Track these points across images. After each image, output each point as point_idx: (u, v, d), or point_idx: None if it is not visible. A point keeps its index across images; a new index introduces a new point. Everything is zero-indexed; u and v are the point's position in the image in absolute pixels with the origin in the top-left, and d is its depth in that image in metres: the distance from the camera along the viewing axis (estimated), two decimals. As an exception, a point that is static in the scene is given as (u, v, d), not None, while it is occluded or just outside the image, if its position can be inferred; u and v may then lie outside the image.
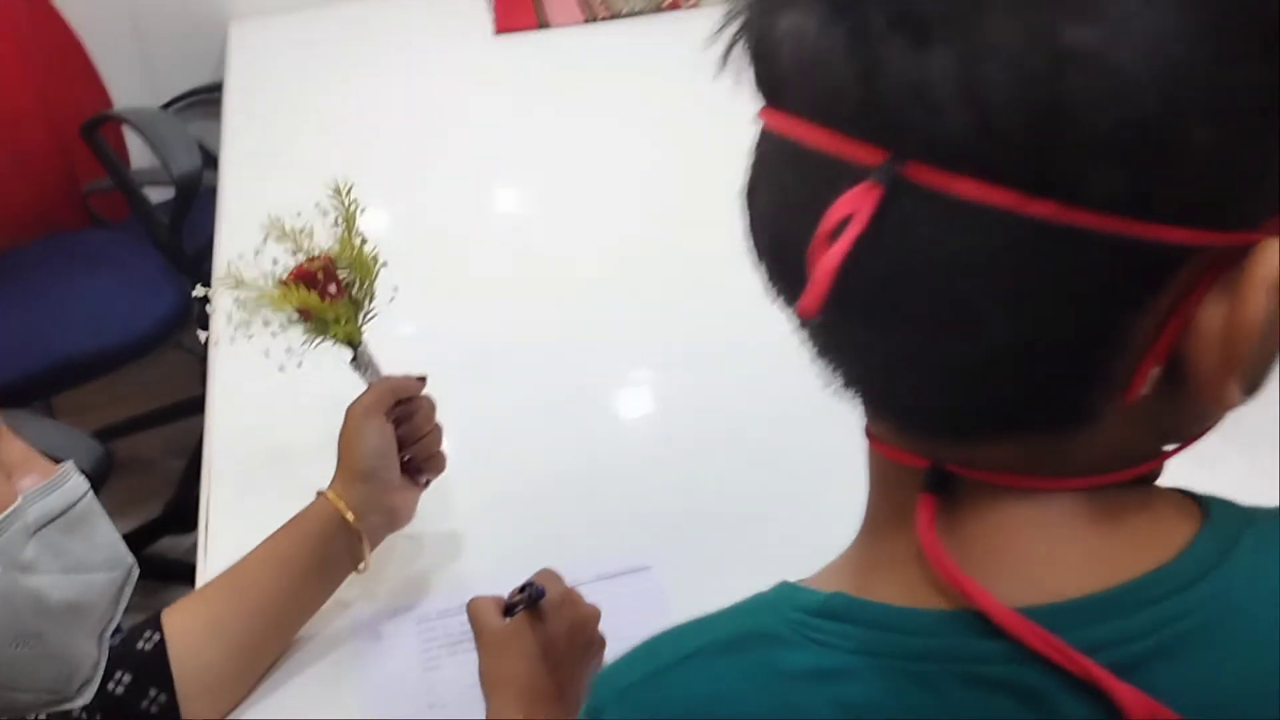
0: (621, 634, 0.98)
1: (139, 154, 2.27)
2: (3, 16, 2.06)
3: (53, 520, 0.66)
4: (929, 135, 0.41)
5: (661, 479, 1.18)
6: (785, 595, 0.53)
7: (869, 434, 0.53)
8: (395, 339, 1.07)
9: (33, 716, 0.78)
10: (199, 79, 2.47)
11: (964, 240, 0.42)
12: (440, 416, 1.07)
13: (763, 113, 0.48)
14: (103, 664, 0.69)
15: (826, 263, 0.44)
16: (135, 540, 2.15)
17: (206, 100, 2.39)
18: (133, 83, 2.44)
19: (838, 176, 0.44)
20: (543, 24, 2.21)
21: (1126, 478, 0.49)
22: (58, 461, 0.69)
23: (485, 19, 2.24)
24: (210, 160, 2.05)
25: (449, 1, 2.34)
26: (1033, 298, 0.43)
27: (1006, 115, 0.40)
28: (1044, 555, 0.48)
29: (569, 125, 1.88)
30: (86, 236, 2.19)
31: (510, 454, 1.24)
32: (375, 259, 1.00)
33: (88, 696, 0.68)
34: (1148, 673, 0.45)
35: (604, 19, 2.21)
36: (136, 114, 2.09)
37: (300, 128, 1.95)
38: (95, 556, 0.68)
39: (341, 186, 0.98)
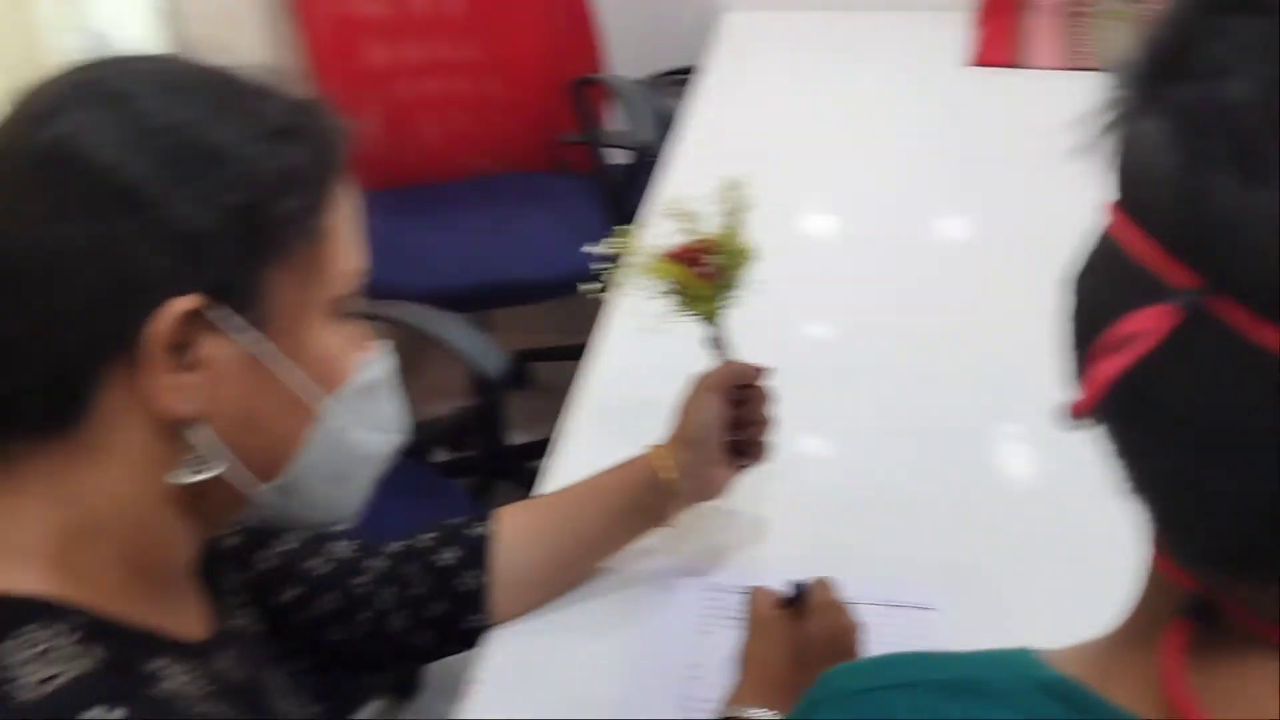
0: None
1: (612, 117, 2.49)
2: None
3: (370, 388, 0.80)
4: (1244, 275, 0.42)
5: (977, 525, 1.18)
6: (1022, 660, 0.54)
7: (1154, 538, 0.53)
8: (750, 327, 1.15)
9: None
10: (683, 60, 2.66)
11: (1254, 384, 0.42)
12: (776, 411, 1.13)
13: (1106, 204, 0.49)
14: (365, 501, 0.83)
15: (1104, 370, 0.45)
16: (523, 451, 2.39)
17: (683, 80, 2.58)
18: (626, 52, 2.68)
19: (1145, 290, 0.45)
20: (1021, 63, 2.18)
21: None
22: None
23: (959, 48, 2.25)
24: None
25: (931, 25, 2.37)
26: None
27: None
28: None
29: (1013, 169, 1.85)
30: (548, 179, 2.44)
31: (835, 461, 1.29)
32: (750, 251, 1.08)
33: (348, 525, 0.83)
34: None
35: (1085, 68, 2.15)
36: (619, 82, 2.31)
37: (751, 120, 2.07)
38: (389, 421, 0.83)
39: (736, 182, 1.07)
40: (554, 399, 1.46)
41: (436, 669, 2.05)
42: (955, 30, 2.32)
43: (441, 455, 2.49)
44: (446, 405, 2.45)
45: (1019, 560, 1.13)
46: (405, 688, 2.08)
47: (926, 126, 2.04)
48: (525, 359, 2.67)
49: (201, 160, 0.69)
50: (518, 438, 2.44)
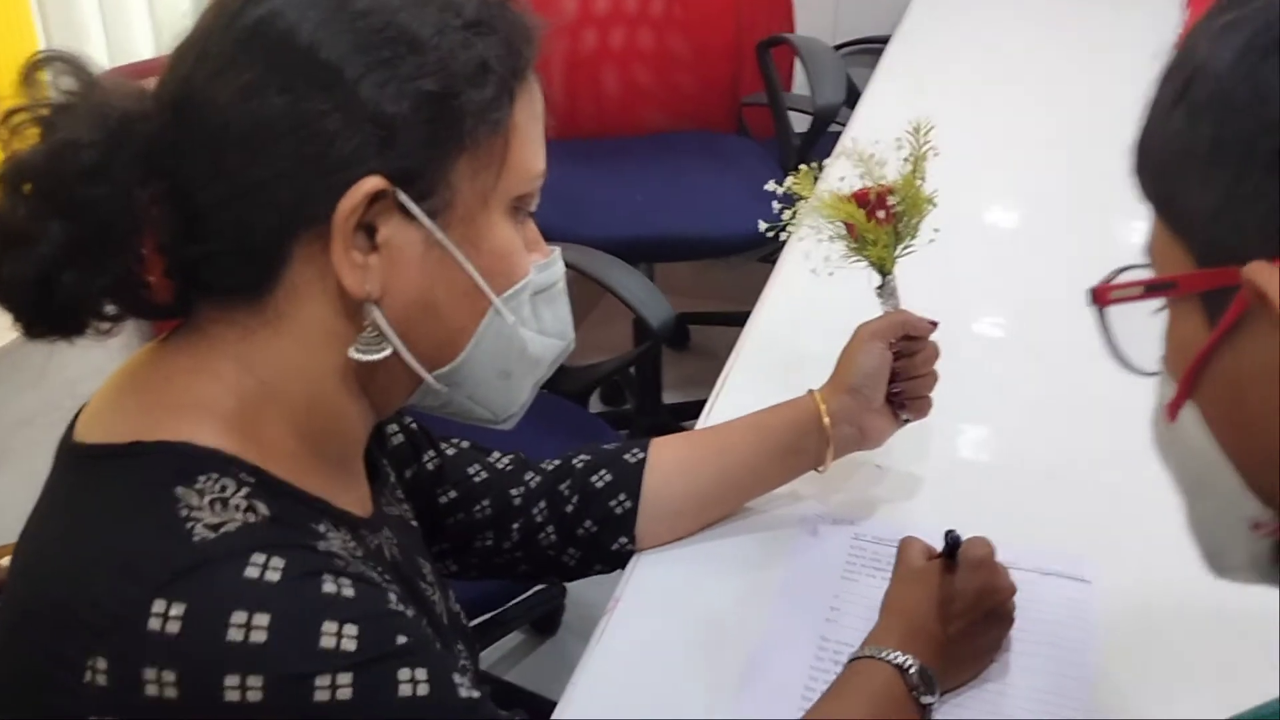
0: (1035, 634, 0.99)
1: (799, 82, 2.47)
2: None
3: (542, 291, 0.82)
4: None
5: (1135, 500, 1.13)
6: None
7: None
8: (922, 278, 1.13)
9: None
10: (875, 29, 2.62)
11: None
12: (940, 366, 1.11)
13: None
14: (527, 405, 0.85)
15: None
16: (677, 411, 2.41)
17: (871, 49, 2.54)
18: (818, 17, 2.65)
19: None
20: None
21: None
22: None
23: (1170, 28, 2.15)
24: (854, 100, 2.19)
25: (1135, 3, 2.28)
26: None
27: None
28: None
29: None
30: (729, 140, 2.44)
31: (995, 428, 1.26)
32: (929, 200, 1.06)
33: (510, 425, 0.84)
34: None
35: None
36: (806, 43, 2.28)
37: (940, 92, 2.02)
38: (557, 326, 0.84)
39: (922, 126, 1.05)
40: (710, 363, 1.46)
41: (575, 611, 2.11)
42: (1162, 8, 2.22)
43: (596, 406, 2.52)
44: (605, 357, 2.48)
45: (1176, 539, 1.08)
46: (543, 624, 2.13)
47: (1127, 110, 1.95)
48: (685, 321, 2.68)
49: (399, 46, 0.71)
50: (672, 398, 2.45)
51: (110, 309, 0.74)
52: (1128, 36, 2.19)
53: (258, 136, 0.70)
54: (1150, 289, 0.62)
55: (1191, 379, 0.59)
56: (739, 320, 1.44)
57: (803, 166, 1.10)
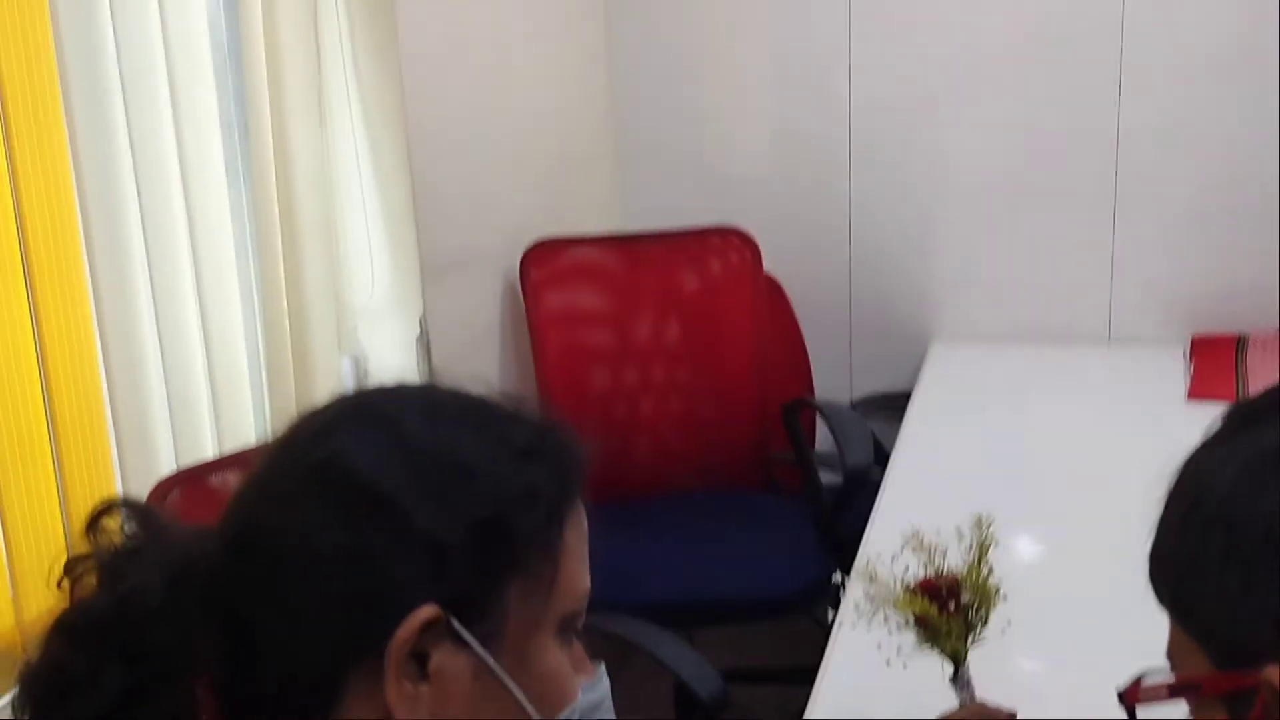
0: None
1: (824, 438, 2.55)
2: (749, 295, 2.47)
3: (592, 711, 0.81)
4: None
5: None
6: None
7: None
8: (997, 669, 1.12)
9: None
10: (894, 385, 2.73)
11: None
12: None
13: None
14: None
15: None
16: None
17: (895, 405, 2.63)
18: (834, 375, 2.77)
19: None
20: (1241, 396, 2.16)
21: None
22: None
23: (1180, 383, 2.24)
24: (883, 458, 2.25)
25: (1147, 359, 2.39)
26: None
27: None
28: None
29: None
30: (759, 497, 2.48)
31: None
32: (997, 591, 1.08)
33: None
34: None
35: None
36: (829, 407, 2.37)
37: (972, 446, 2.09)
38: None
39: (983, 520, 1.08)
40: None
41: None
42: (1174, 364, 2.32)
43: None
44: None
45: None
46: None
47: (1148, 460, 2.01)
48: (727, 679, 2.62)
49: (453, 476, 0.74)
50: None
51: None
52: (1137, 387, 2.29)
53: (317, 570, 0.72)
54: (1177, 691, 0.67)
55: None
56: (788, 677, 1.41)
57: (863, 561, 1.12)
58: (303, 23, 1.75)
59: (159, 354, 1.57)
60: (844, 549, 2.18)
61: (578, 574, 0.79)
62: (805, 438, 2.47)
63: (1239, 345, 2.38)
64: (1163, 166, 2.47)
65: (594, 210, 2.72)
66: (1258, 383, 2.20)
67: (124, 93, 1.50)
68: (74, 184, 1.44)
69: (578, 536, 0.80)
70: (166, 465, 1.55)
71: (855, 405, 2.76)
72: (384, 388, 0.83)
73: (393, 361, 1.98)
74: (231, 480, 1.36)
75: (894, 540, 1.13)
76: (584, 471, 0.80)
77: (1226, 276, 2.47)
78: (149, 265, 1.55)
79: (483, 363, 2.33)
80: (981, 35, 2.52)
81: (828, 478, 2.40)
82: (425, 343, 2.01)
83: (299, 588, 0.72)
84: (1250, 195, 2.42)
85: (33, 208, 1.38)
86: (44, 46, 1.40)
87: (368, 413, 0.78)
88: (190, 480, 1.40)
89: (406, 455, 0.74)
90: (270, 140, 1.70)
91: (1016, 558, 1.69)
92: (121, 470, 1.51)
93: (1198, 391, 2.19)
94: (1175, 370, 2.32)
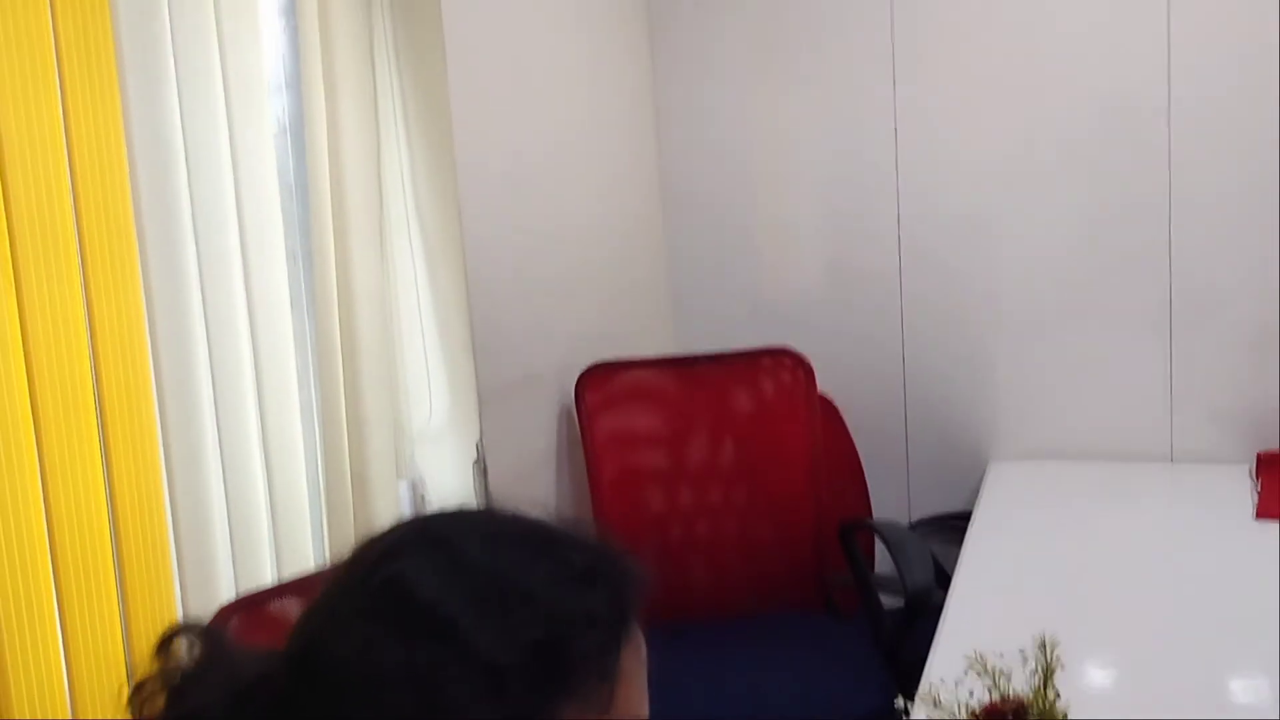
0: None
1: (882, 559, 2.51)
2: (803, 415, 2.47)
3: None
4: None
5: None
6: None
7: None
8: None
9: None
10: (952, 505, 2.70)
11: None
12: None
13: None
14: None
15: None
16: None
17: (954, 526, 2.60)
18: (893, 494, 2.74)
19: None
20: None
21: None
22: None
23: (1247, 502, 2.20)
24: (944, 580, 2.21)
25: (1211, 478, 2.35)
26: None
27: None
28: None
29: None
30: (818, 620, 2.44)
31: None
32: (1064, 715, 1.05)
33: None
34: None
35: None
36: (888, 528, 2.35)
37: (1034, 567, 2.05)
38: None
39: (1048, 642, 1.06)
40: None
41: None
42: (1239, 483, 2.28)
43: None
44: None
45: None
46: None
47: (1215, 581, 1.96)
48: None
49: (511, 599, 0.75)
50: None
51: None
52: (1204, 505, 2.24)
53: (377, 687, 0.73)
54: None
55: None
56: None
57: (926, 685, 1.10)
58: (365, 155, 1.82)
59: (221, 480, 1.60)
60: (907, 673, 2.13)
61: (635, 699, 0.79)
62: (864, 559, 2.44)
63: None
64: (1219, 282, 2.46)
65: (648, 333, 2.75)
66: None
67: (194, 224, 1.57)
68: (144, 313, 1.49)
69: (636, 662, 0.80)
70: (227, 591, 1.57)
71: (914, 526, 2.73)
72: (445, 512, 0.84)
73: (450, 485, 2.00)
74: (291, 606, 1.39)
75: (957, 664, 1.11)
76: (642, 596, 0.81)
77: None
78: (214, 391, 1.59)
79: (539, 486, 2.34)
80: (1031, 151, 2.55)
81: (888, 600, 2.37)
82: (482, 466, 2.02)
83: (359, 706, 0.73)
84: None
85: (104, 337, 1.44)
86: (120, 179, 1.46)
87: (429, 536, 0.80)
88: (250, 606, 1.41)
89: (467, 578, 0.75)
90: (333, 270, 1.76)
91: (1083, 681, 1.64)
92: (183, 595, 1.53)
93: (1265, 511, 2.14)
94: (1241, 490, 2.28)
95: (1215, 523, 2.17)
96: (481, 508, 0.89)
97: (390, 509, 1.81)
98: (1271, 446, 2.41)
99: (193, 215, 1.57)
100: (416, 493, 1.96)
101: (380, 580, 0.76)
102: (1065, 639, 1.09)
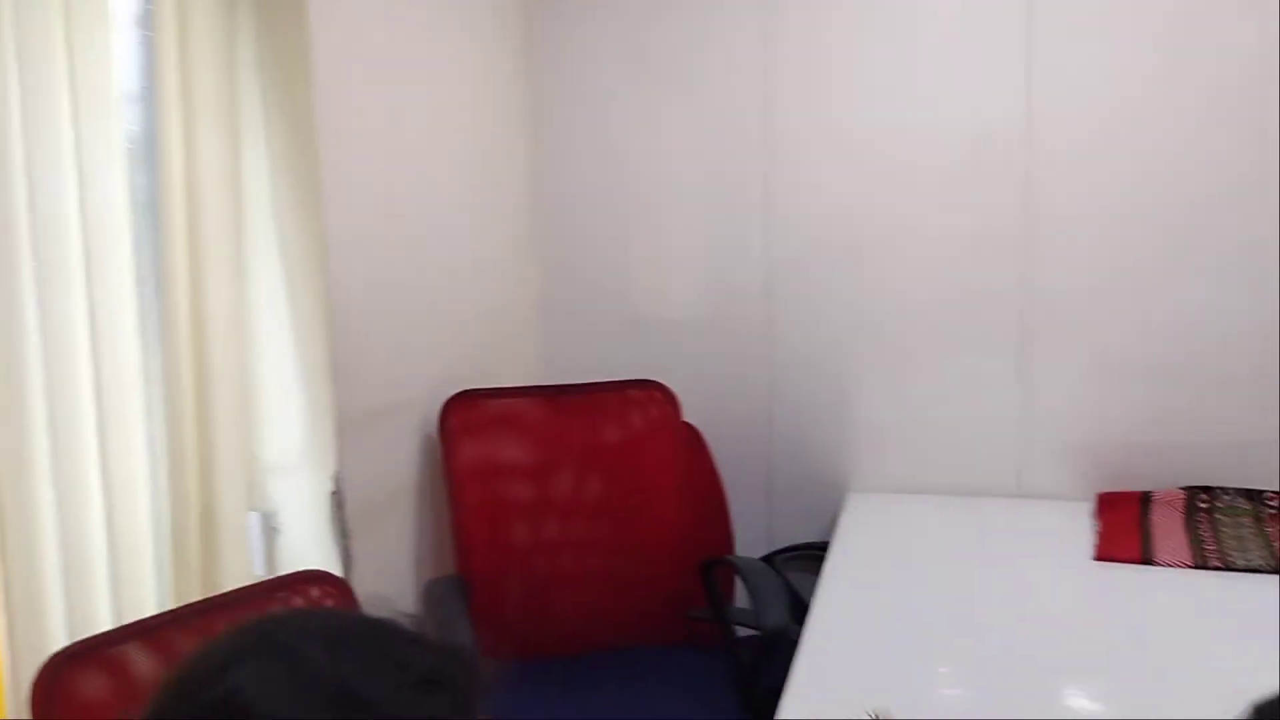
0: None
1: (741, 594, 2.53)
2: (669, 451, 2.47)
3: None
4: None
5: None
6: None
7: None
8: None
9: None
10: (812, 535, 2.73)
11: None
12: None
13: None
14: None
15: None
16: None
17: (814, 555, 2.63)
18: (755, 523, 2.76)
19: None
20: (1147, 559, 2.19)
21: None
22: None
23: (1086, 543, 2.28)
24: (800, 608, 2.23)
25: (1051, 518, 2.43)
26: None
27: None
28: None
29: (1140, 665, 1.82)
30: (677, 653, 2.44)
31: None
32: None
33: None
34: None
35: (1215, 568, 2.15)
36: (747, 565, 2.36)
37: (887, 599, 2.08)
38: None
39: (880, 714, 1.07)
40: None
41: None
42: (1079, 521, 2.36)
43: None
44: None
45: None
46: None
47: (1054, 620, 2.02)
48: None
49: (349, 709, 0.73)
50: None
51: None
52: (1044, 545, 2.30)
53: None
54: None
55: None
56: None
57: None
58: (223, 171, 1.75)
59: (55, 513, 1.51)
60: (767, 705, 2.14)
61: None
62: (723, 595, 2.44)
63: (1143, 503, 2.43)
64: (1069, 317, 2.54)
65: (516, 360, 2.72)
66: (1161, 542, 2.24)
67: (33, 241, 1.48)
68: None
69: None
70: (58, 636, 1.48)
71: (775, 555, 2.76)
72: (284, 615, 0.83)
73: (305, 518, 1.93)
74: (130, 652, 1.31)
75: (814, 693, 1.11)
76: (487, 696, 0.80)
77: (1133, 433, 2.53)
78: (50, 421, 1.50)
79: (399, 517, 2.28)
80: (894, 184, 2.61)
81: (749, 631, 2.38)
82: (339, 498, 1.96)
83: None
84: (1161, 349, 2.49)
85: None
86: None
87: (268, 644, 0.77)
88: (84, 652, 1.33)
89: (301, 689, 0.73)
90: (185, 293, 1.68)
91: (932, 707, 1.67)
92: (10, 640, 1.43)
93: (1103, 553, 2.22)
94: (1082, 528, 2.36)
95: (1056, 561, 2.24)
96: (324, 609, 0.87)
97: (239, 544, 1.74)
98: (1113, 486, 2.51)
99: (31, 231, 1.48)
100: (268, 525, 1.88)
101: (219, 694, 0.73)
102: (912, 671, 1.10)
